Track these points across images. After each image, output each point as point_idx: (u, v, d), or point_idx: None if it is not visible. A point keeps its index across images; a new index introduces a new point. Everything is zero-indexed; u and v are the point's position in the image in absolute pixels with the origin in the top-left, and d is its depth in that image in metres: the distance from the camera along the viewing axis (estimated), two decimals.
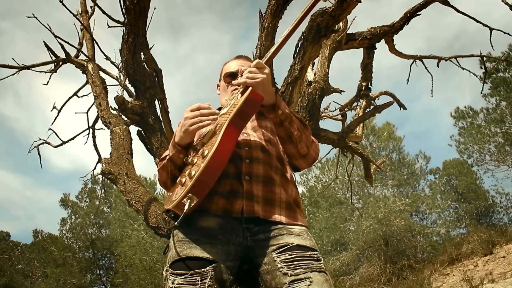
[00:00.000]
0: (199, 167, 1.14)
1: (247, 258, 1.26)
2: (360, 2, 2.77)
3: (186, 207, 1.11)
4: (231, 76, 1.54)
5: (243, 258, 1.26)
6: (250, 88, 1.25)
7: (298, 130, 1.40)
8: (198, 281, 1.13)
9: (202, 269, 1.15)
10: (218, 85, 1.67)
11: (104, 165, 3.67)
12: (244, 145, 1.39)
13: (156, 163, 1.49)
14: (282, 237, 1.23)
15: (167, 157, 1.36)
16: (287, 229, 1.26)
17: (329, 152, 6.26)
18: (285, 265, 1.16)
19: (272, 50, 1.37)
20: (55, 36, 4.08)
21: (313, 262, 1.18)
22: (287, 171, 1.44)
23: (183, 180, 1.20)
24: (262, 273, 1.21)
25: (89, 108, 4.86)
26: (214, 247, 1.19)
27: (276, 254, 1.19)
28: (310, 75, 3.94)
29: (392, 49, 4.49)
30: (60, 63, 4.47)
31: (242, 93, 1.29)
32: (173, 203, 1.15)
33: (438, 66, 4.64)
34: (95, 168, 5.00)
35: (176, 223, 1.16)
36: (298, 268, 1.14)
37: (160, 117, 3.73)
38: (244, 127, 1.29)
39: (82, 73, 4.48)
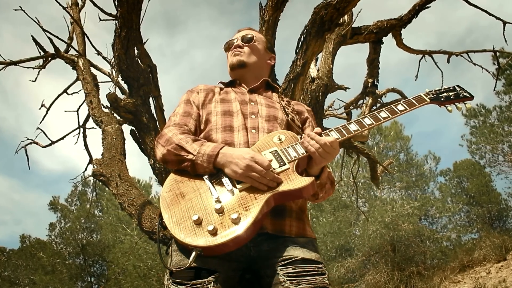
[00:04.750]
0: (225, 230, 1.12)
1: (249, 268, 1.28)
2: None
3: (191, 259, 1.12)
4: (229, 45, 1.71)
5: (245, 268, 1.28)
6: (312, 180, 1.23)
7: (326, 192, 1.44)
8: None
9: (204, 280, 1.17)
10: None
11: (95, 166, 3.67)
12: (252, 144, 1.38)
13: (155, 144, 1.42)
14: (286, 249, 1.25)
15: (190, 158, 1.29)
16: (292, 241, 1.28)
17: None
18: (288, 280, 1.18)
19: (353, 133, 1.39)
20: (44, 30, 4.08)
21: (316, 277, 1.21)
22: None
23: (201, 219, 1.16)
24: (264, 286, 1.25)
25: (80, 106, 4.88)
26: (215, 257, 1.20)
27: (279, 267, 1.21)
28: (313, 71, 3.95)
29: (400, 43, 4.50)
30: (49, 58, 4.48)
31: (299, 163, 1.29)
32: (180, 239, 1.14)
33: (448, 61, 4.65)
34: (86, 169, 5.03)
35: (181, 267, 1.18)
36: (301, 284, 1.18)
37: (155, 115, 3.73)
38: (278, 203, 1.26)
39: (72, 69, 4.49)
